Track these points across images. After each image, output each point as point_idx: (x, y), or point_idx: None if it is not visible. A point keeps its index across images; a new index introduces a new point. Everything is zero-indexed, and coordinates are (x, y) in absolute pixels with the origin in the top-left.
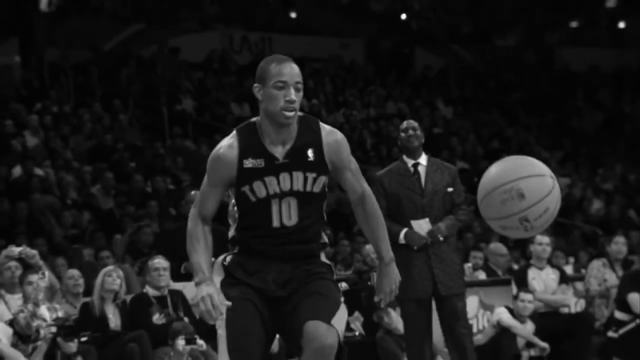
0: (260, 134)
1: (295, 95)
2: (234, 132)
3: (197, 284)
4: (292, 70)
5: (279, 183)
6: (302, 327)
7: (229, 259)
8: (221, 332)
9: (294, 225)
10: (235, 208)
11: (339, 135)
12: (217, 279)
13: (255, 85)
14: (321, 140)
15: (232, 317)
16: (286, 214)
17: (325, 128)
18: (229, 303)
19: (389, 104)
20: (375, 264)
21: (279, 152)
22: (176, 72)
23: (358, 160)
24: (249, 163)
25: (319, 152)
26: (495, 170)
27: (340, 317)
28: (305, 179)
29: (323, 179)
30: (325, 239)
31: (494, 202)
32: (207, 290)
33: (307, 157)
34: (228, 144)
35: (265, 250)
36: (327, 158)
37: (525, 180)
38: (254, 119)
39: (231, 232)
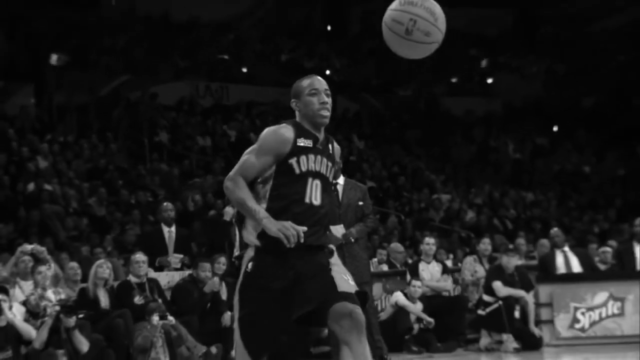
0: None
1: (327, 98)
2: (285, 123)
3: (264, 220)
4: (320, 81)
5: (315, 162)
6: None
7: (250, 266)
8: (237, 336)
9: (318, 205)
10: (268, 186)
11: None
12: (236, 299)
13: (292, 100)
14: (334, 144)
15: (245, 329)
16: (315, 194)
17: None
18: (304, 228)
19: None
20: None
21: (319, 141)
22: (155, 112)
23: None
24: (301, 142)
25: (333, 150)
26: None
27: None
28: (327, 165)
29: (334, 170)
30: None
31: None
32: (277, 223)
33: (329, 150)
34: (285, 127)
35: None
36: (336, 157)
37: (433, 5)
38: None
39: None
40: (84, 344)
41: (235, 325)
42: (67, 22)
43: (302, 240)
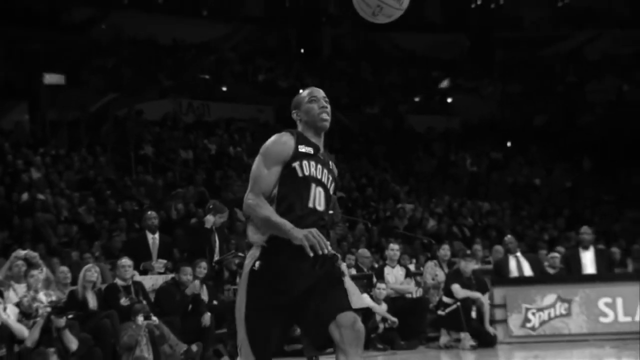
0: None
1: (326, 104)
2: (286, 132)
3: (291, 230)
4: (319, 90)
5: (317, 169)
6: (330, 320)
7: (257, 264)
8: (242, 336)
9: (322, 211)
10: (275, 190)
11: None
12: (242, 293)
13: (293, 112)
14: (333, 164)
15: (253, 325)
16: (318, 199)
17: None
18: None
19: None
20: None
21: (320, 150)
22: (141, 127)
23: None
24: (302, 148)
25: (333, 167)
26: None
27: (355, 294)
28: (328, 178)
29: (334, 185)
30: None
31: None
32: (303, 231)
33: (331, 165)
34: (285, 134)
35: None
36: (336, 175)
37: None
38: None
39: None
40: (73, 343)
41: (240, 324)
42: (60, 44)
43: (326, 252)
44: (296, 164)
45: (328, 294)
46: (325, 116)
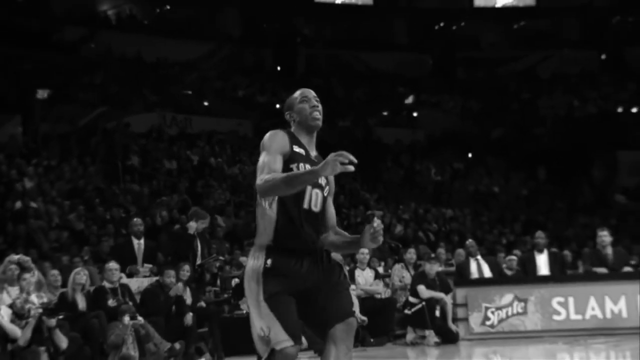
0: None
1: (317, 103)
2: (279, 130)
3: (316, 169)
4: (310, 91)
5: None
6: (335, 323)
7: (270, 262)
8: (257, 324)
9: (318, 212)
10: (276, 200)
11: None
12: (254, 285)
13: (286, 113)
14: None
15: (275, 305)
16: (314, 201)
17: None
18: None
19: None
20: None
21: (312, 153)
22: (128, 139)
23: (246, 197)
24: (296, 148)
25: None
26: None
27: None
28: (325, 180)
29: (329, 188)
30: None
31: None
32: (327, 160)
33: None
34: (281, 132)
35: (297, 236)
36: (331, 180)
37: None
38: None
39: (267, 221)
40: (63, 342)
41: (261, 312)
42: (52, 61)
43: (355, 161)
44: (294, 166)
45: (336, 297)
46: (316, 115)
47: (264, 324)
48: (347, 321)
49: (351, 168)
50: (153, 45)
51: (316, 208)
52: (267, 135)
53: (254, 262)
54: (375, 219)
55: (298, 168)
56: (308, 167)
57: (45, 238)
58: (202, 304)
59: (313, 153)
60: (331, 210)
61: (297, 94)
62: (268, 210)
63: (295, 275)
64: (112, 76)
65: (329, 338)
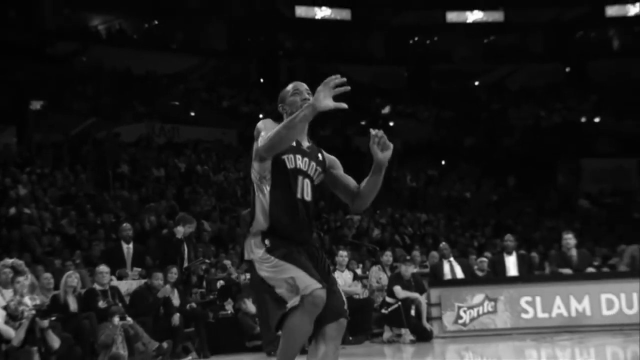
0: None
1: (309, 97)
2: (271, 119)
3: (308, 105)
4: (302, 84)
5: (303, 162)
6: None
7: (268, 241)
8: (281, 281)
9: (309, 201)
10: (268, 183)
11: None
12: (258, 250)
13: (279, 105)
14: (324, 154)
15: (293, 259)
16: (306, 191)
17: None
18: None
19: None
20: None
21: (304, 143)
22: (117, 148)
23: (231, 203)
24: None
25: (323, 158)
26: None
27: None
28: (315, 170)
29: (322, 176)
30: None
31: None
32: (316, 94)
33: (319, 157)
34: (272, 121)
35: (290, 224)
36: (328, 164)
37: None
38: None
39: (259, 209)
40: (55, 342)
41: (282, 266)
42: (45, 74)
43: (344, 80)
44: (285, 157)
45: (330, 296)
46: None
47: (287, 276)
48: (340, 321)
49: (344, 105)
50: (142, 58)
51: (308, 197)
52: (260, 122)
53: (253, 250)
54: (371, 130)
55: (289, 159)
56: (299, 157)
57: (39, 242)
58: (193, 304)
59: (305, 144)
60: (347, 177)
61: (290, 87)
62: (263, 200)
63: (292, 253)
64: (103, 88)
65: (319, 336)
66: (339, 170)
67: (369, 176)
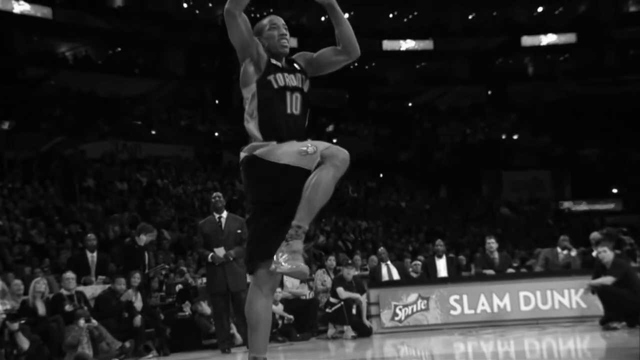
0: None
1: (285, 31)
2: None
3: None
4: (278, 18)
5: (288, 79)
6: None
7: (259, 151)
8: (296, 153)
9: (299, 115)
10: (255, 102)
11: (299, 53)
12: (270, 160)
13: (256, 38)
14: (297, 60)
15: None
16: (295, 105)
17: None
18: None
19: (208, 182)
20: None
21: (281, 64)
22: (83, 164)
23: (189, 214)
24: (273, 61)
25: (299, 63)
26: None
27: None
28: (301, 79)
29: (308, 81)
30: None
31: None
32: None
33: (296, 66)
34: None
35: (284, 138)
36: (304, 65)
37: None
38: None
39: (252, 126)
40: (25, 343)
41: (289, 144)
42: (15, 96)
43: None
44: (271, 77)
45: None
46: (284, 42)
47: (302, 145)
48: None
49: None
50: (106, 82)
51: (297, 111)
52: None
53: (245, 154)
54: None
55: (275, 79)
56: (285, 75)
57: (9, 252)
58: (157, 309)
59: (286, 66)
60: (324, 51)
61: (266, 20)
62: (252, 122)
63: (271, 177)
64: (70, 109)
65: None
66: (313, 54)
67: (333, 22)
